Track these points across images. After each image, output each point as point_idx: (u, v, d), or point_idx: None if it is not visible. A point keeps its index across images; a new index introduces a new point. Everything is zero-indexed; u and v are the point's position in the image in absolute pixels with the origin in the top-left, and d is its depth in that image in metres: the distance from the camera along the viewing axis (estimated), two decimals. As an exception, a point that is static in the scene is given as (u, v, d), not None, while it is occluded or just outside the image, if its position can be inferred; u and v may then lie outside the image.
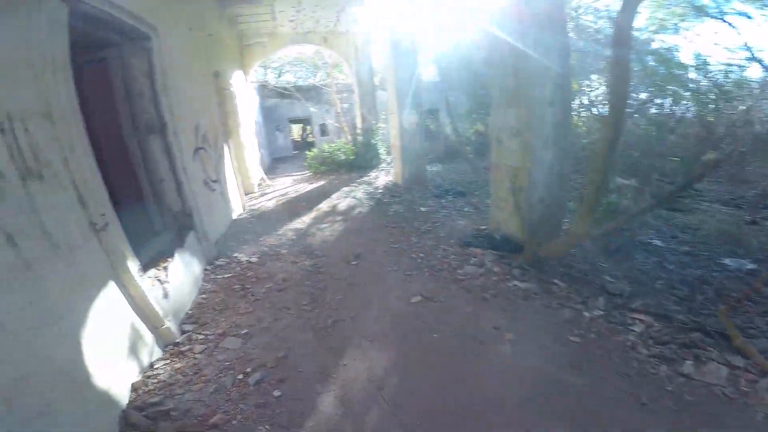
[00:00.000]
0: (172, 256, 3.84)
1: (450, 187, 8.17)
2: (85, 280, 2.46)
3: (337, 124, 16.12)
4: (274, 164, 16.52)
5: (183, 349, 3.19)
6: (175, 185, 4.36)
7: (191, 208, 4.54)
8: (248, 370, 2.87)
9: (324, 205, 7.53)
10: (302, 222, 6.57)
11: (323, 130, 19.82)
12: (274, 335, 3.33)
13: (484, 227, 5.42)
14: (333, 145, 11.92)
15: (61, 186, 2.45)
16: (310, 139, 22.61)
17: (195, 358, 3.06)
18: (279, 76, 22.62)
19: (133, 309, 2.91)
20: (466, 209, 6.68)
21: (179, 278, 3.82)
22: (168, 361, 3.04)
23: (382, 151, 11.74)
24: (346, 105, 18.50)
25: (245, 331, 3.40)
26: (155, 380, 2.78)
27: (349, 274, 4.42)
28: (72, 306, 2.28)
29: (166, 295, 3.45)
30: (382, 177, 9.80)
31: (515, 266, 4.21)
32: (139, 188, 4.25)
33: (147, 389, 2.66)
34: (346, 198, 7.90)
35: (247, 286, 4.26)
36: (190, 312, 3.82)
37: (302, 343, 3.20)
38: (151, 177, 4.23)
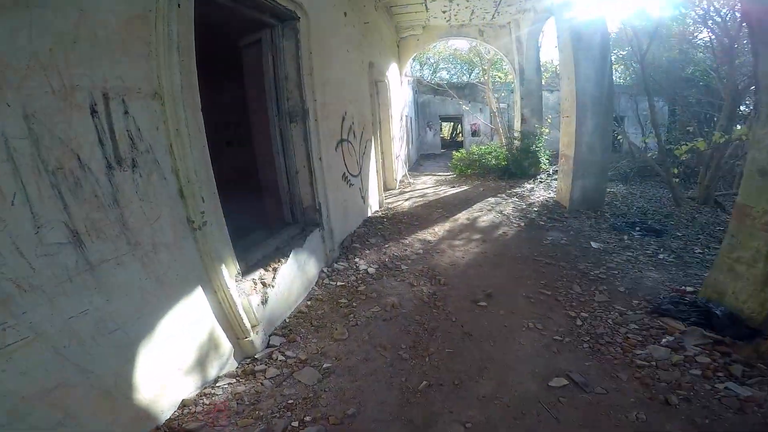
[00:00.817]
0: (286, 256, 3.42)
1: (638, 219, 6.10)
2: (164, 284, 2.09)
3: (490, 126, 14.69)
4: (420, 161, 16.14)
5: (257, 368, 2.69)
6: (308, 177, 3.97)
7: (321, 203, 4.12)
8: (307, 419, 2.25)
9: (462, 216, 6.46)
10: (434, 233, 5.65)
11: (474, 131, 18.60)
12: (355, 381, 2.60)
13: (690, 290, 3.58)
14: (483, 147, 10.69)
15: (161, 176, 2.10)
16: (459, 139, 21.61)
17: (262, 384, 2.53)
18: (434, 72, 22.22)
19: (216, 317, 2.50)
20: (661, 255, 4.70)
21: (287, 282, 3.38)
22: (235, 380, 2.58)
23: (543, 160, 9.94)
24: (503, 105, 16.86)
25: (328, 364, 2.74)
26: (208, 401, 2.32)
27: (470, 318, 3.34)
28: (138, 313, 1.93)
29: (265, 301, 3.04)
30: (540, 192, 8.14)
31: (737, 360, 2.60)
32: (275, 180, 3.97)
33: (194, 410, 2.24)
34: (491, 212, 6.65)
35: (354, 304, 3.59)
36: (287, 320, 3.35)
37: (379, 405, 2.38)
38: (288, 167, 3.91)
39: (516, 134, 10.01)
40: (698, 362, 2.62)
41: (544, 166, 10.05)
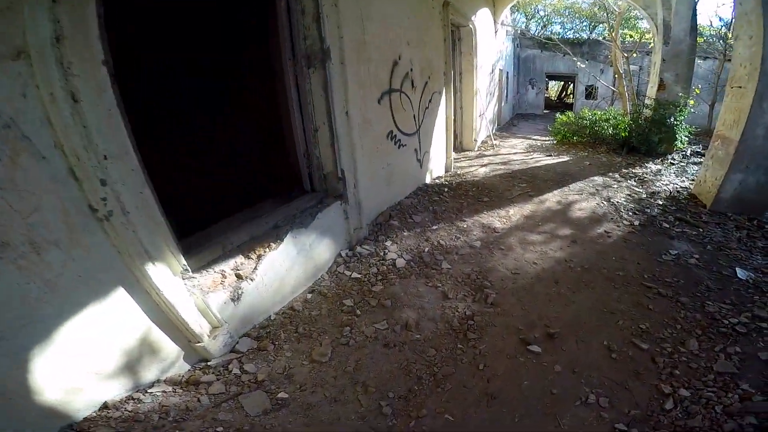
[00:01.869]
0: (280, 239, 2.57)
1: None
2: (57, 288, 1.59)
3: (612, 88, 11.80)
4: (515, 120, 13.95)
5: (204, 378, 2.06)
6: (329, 136, 2.94)
7: (344, 169, 3.12)
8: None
9: (552, 198, 4.91)
10: (505, 218, 4.30)
11: (589, 93, 15.42)
12: (307, 426, 1.85)
13: None
14: (599, 112, 8.39)
15: (35, 156, 1.47)
16: (569, 100, 18.41)
17: (198, 401, 1.93)
18: (543, 27, 18.75)
19: (154, 319, 1.93)
20: None
21: (279, 271, 2.57)
22: (172, 388, 1.99)
23: (682, 137, 7.48)
24: (633, 67, 13.46)
25: (284, 394, 1.99)
26: (131, 407, 1.85)
27: (507, 370, 2.21)
28: (25, 321, 1.54)
29: (237, 297, 2.29)
30: (669, 177, 6.01)
31: None
32: (293, 140, 3.02)
33: (112, 414, 1.81)
34: (594, 197, 4.97)
35: (359, 311, 2.64)
36: (273, 318, 2.56)
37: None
38: (306, 124, 2.93)
39: (649, 101, 7.59)
40: None
41: (680, 145, 7.59)
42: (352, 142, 3.07)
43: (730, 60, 12.43)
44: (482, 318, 2.61)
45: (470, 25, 6.59)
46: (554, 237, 3.88)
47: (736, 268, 3.41)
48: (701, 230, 4.21)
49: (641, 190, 5.28)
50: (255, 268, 2.36)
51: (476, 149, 7.58)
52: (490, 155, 7.16)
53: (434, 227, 3.89)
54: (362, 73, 3.14)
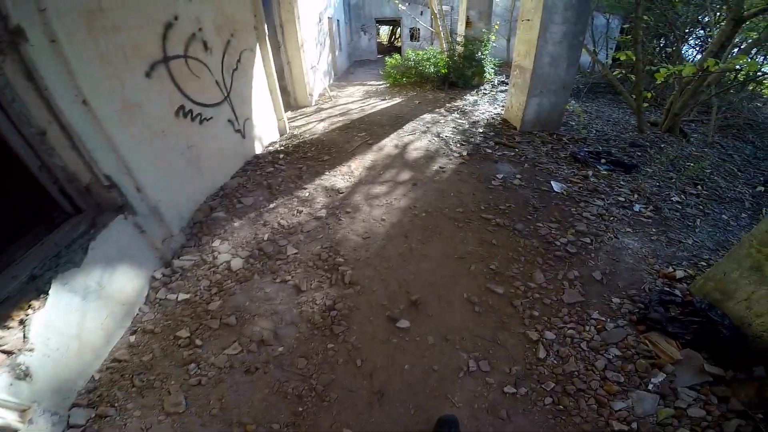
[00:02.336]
0: (44, 292, 1.82)
1: (601, 148, 4.95)
2: None
3: (431, 29, 12.47)
4: (352, 68, 13.78)
5: None
6: (65, 137, 2.09)
7: (111, 174, 2.32)
8: None
9: (390, 143, 4.94)
10: (348, 174, 4.14)
11: (413, 35, 16.12)
12: None
13: (681, 275, 2.60)
14: (421, 52, 8.76)
15: None
16: (398, 44, 19.00)
17: None
18: None
19: None
20: (637, 207, 3.61)
21: (63, 330, 1.89)
22: None
23: (489, 69, 8.35)
24: (446, 8, 14.43)
25: None
26: None
27: (384, 358, 2.09)
28: None
29: (24, 375, 1.67)
30: (485, 106, 6.70)
31: (734, 409, 1.82)
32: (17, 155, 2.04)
33: None
34: (426, 134, 5.18)
35: (198, 341, 2.15)
36: (98, 377, 1.97)
37: None
38: (23, 130, 1.97)
39: (459, 39, 8.18)
40: (690, 417, 1.75)
41: (489, 76, 8.52)
42: (109, 135, 2.30)
43: None
44: (344, 304, 2.40)
45: None
46: (396, 184, 3.90)
47: (552, 182, 3.96)
48: (517, 150, 4.78)
49: (464, 121, 5.74)
50: (25, 337, 1.67)
51: (313, 104, 7.16)
52: (328, 108, 6.85)
53: (271, 205, 3.48)
54: (104, 46, 2.31)
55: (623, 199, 3.73)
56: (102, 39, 2.31)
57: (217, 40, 3.73)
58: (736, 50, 6.49)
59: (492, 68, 8.54)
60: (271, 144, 5.03)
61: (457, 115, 6.05)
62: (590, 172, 4.26)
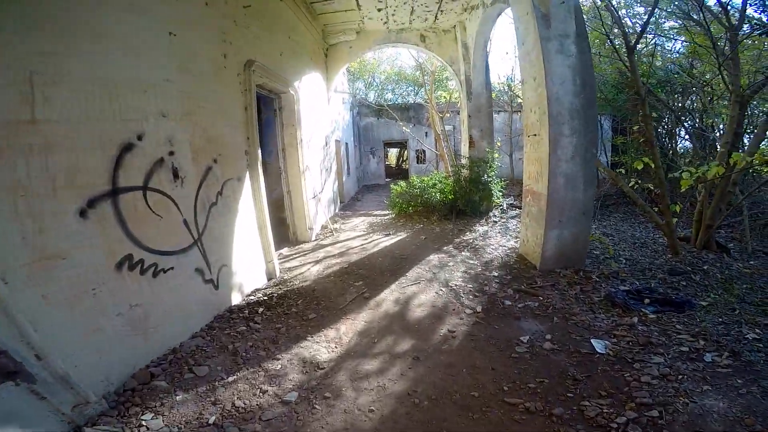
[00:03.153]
0: None
1: (640, 284, 4.15)
2: None
3: (435, 151, 12.92)
4: (360, 194, 13.97)
5: None
6: None
7: (6, 338, 1.78)
8: None
9: (389, 297, 4.23)
10: (334, 341, 3.36)
11: (419, 157, 16.89)
12: None
13: None
14: (426, 178, 8.69)
15: None
16: (406, 166, 19.88)
17: None
18: (380, 95, 20.57)
19: None
20: (709, 356, 2.71)
21: None
22: None
23: (497, 192, 8.10)
24: (449, 127, 15.34)
25: None
26: None
27: None
28: None
29: None
30: (497, 237, 6.15)
31: None
32: None
33: None
34: (432, 284, 4.49)
35: None
36: None
37: None
38: None
39: (464, 161, 8.14)
40: None
41: (497, 200, 8.21)
42: (1, 298, 1.72)
43: (518, 112, 15.38)
44: None
45: (291, 92, 5.98)
46: (393, 358, 3.06)
47: (592, 341, 3.11)
48: (541, 298, 4.01)
49: (475, 262, 5.09)
50: None
51: (313, 238, 6.76)
52: (328, 245, 6.40)
53: (230, 379, 2.66)
54: (24, 171, 1.85)
55: (687, 349, 2.86)
56: (23, 161, 1.83)
57: (192, 168, 3.36)
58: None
59: (499, 190, 8.29)
60: (253, 292, 4.39)
61: (468, 254, 5.44)
62: (635, 319, 3.42)
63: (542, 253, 4.63)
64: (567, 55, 4.24)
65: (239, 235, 4.18)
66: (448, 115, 13.96)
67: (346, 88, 12.67)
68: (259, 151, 4.64)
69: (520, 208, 8.40)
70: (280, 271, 5.10)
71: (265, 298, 4.25)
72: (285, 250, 6.10)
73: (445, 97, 17.66)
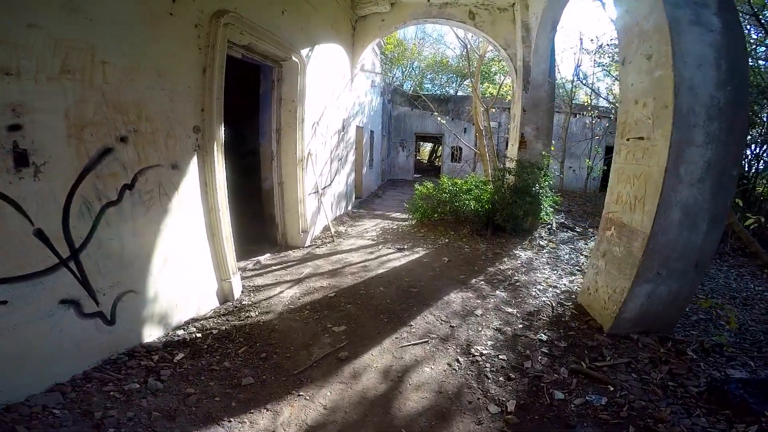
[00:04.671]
0: None
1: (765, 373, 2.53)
2: None
3: (474, 149, 11.22)
4: (383, 189, 12.54)
5: None
6: None
7: None
8: None
9: (375, 363, 2.80)
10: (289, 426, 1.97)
11: (454, 154, 15.16)
12: None
13: None
14: (460, 180, 7.10)
15: None
16: (439, 163, 18.21)
17: None
18: (419, 84, 18.85)
19: None
20: None
21: None
22: None
23: (547, 207, 6.42)
24: (493, 124, 13.53)
25: None
26: None
27: None
28: None
29: None
30: (544, 272, 4.54)
31: None
32: None
33: None
34: (446, 346, 3.00)
35: None
36: None
37: None
38: None
39: (510, 164, 6.49)
40: None
41: (546, 218, 6.52)
42: None
43: (576, 114, 13.34)
44: None
45: (294, 59, 4.63)
46: None
47: None
48: (611, 388, 2.48)
49: (514, 311, 3.53)
50: None
51: (307, 244, 5.41)
52: (322, 256, 5.02)
53: None
54: None
55: None
56: None
57: (65, 150, 2.12)
58: None
59: (551, 206, 6.59)
60: (187, 324, 3.10)
61: (505, 295, 3.88)
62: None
63: (619, 313, 3.04)
64: (707, 29, 2.60)
65: (169, 245, 2.89)
66: (494, 110, 12.16)
67: (378, 70, 11.18)
68: (221, 129, 3.33)
69: (573, 230, 6.75)
70: (243, 291, 3.79)
71: (199, 335, 2.95)
72: (265, 258, 4.79)
73: (491, 91, 15.80)
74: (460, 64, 17.58)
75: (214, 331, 3.05)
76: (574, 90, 12.16)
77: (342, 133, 7.17)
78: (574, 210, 8.81)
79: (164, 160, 2.82)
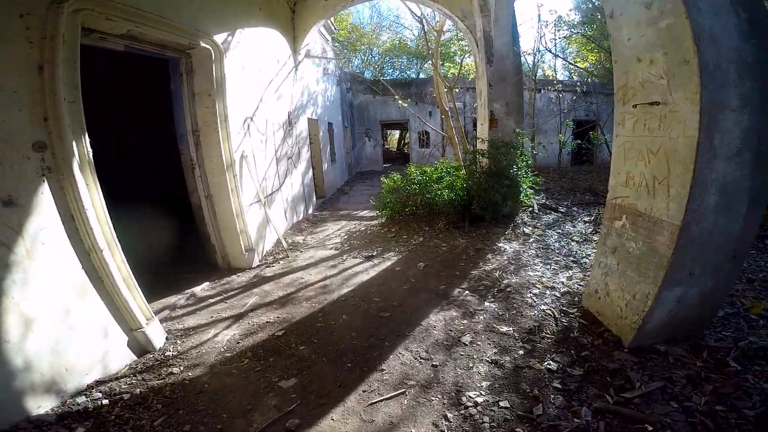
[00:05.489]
0: None
1: None
2: None
3: (441, 132, 10.53)
4: (351, 183, 11.69)
5: None
6: None
7: None
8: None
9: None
10: None
11: (422, 139, 14.43)
12: None
13: None
14: (430, 168, 6.38)
15: None
16: (408, 150, 17.50)
17: None
18: (378, 72, 17.96)
19: None
20: None
21: None
22: None
23: (526, 188, 5.80)
24: (459, 104, 12.87)
25: None
26: None
27: None
28: None
29: None
30: (537, 268, 3.87)
31: None
32: None
33: None
34: (428, 395, 2.26)
35: None
36: None
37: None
38: None
39: (482, 146, 5.79)
40: None
41: (526, 200, 5.90)
42: None
43: (540, 90, 12.88)
44: None
45: (205, 46, 3.70)
46: None
47: None
48: (649, 428, 1.86)
49: (510, 330, 2.82)
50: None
51: (256, 263, 4.54)
52: (272, 277, 4.16)
53: None
54: None
55: None
56: None
57: None
58: None
59: (530, 187, 5.98)
60: (92, 387, 2.32)
61: (495, 306, 3.18)
62: None
63: (642, 324, 2.39)
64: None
65: (26, 307, 2.04)
66: (457, 90, 11.45)
67: (330, 56, 10.20)
68: (83, 140, 2.43)
69: (557, 211, 6.17)
70: (169, 338, 2.93)
71: (105, 402, 2.18)
72: (201, 288, 3.90)
73: (452, 71, 15.10)
74: (419, 46, 16.81)
75: (125, 396, 2.27)
76: (537, 64, 11.65)
77: (288, 127, 6.25)
78: (552, 187, 8.28)
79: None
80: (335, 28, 10.39)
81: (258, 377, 2.44)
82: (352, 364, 2.53)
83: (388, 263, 4.31)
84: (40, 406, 2.08)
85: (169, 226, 5.25)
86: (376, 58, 19.04)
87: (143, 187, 6.19)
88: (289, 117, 6.26)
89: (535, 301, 3.22)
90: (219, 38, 3.93)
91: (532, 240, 4.78)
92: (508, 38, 5.70)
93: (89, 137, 2.50)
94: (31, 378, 2.06)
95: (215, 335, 2.98)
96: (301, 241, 5.45)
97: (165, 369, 2.56)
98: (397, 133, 25.60)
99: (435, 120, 13.23)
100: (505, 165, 5.33)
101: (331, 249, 5.01)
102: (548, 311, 3.05)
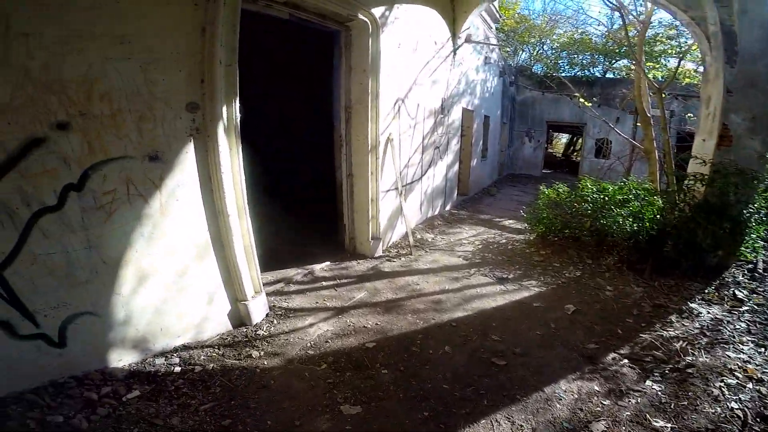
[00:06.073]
0: None
1: None
2: None
3: (635, 143, 8.37)
4: (500, 185, 10.63)
5: None
6: None
7: None
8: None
9: None
10: None
11: (599, 148, 12.02)
12: None
13: None
14: (611, 186, 4.92)
15: None
16: (577, 158, 15.11)
17: None
18: (552, 66, 15.57)
19: None
20: None
21: None
22: None
23: (754, 238, 4.02)
24: (658, 112, 10.15)
25: None
26: None
27: None
28: None
29: None
30: (740, 349, 2.49)
31: None
32: None
33: None
34: None
35: None
36: None
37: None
38: None
39: (700, 168, 4.15)
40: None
41: (748, 253, 4.09)
42: None
43: None
44: None
45: (362, 18, 3.55)
46: None
47: None
48: None
49: (666, 428, 1.80)
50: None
51: (378, 254, 4.28)
52: (389, 274, 3.81)
53: None
54: None
55: None
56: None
57: None
58: None
59: (761, 236, 4.14)
60: (176, 351, 2.41)
61: (659, 388, 2.12)
62: None
63: None
64: None
65: (147, 259, 2.21)
66: (665, 95, 8.93)
67: (494, 43, 9.14)
68: (234, 106, 2.44)
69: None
70: (269, 314, 2.89)
71: (176, 370, 2.25)
72: (321, 267, 3.86)
73: (656, 74, 11.93)
74: (607, 42, 13.87)
75: (197, 369, 2.26)
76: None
77: (440, 115, 5.76)
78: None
79: (135, 150, 2.08)
80: (500, 17, 9.34)
81: (325, 391, 2.13)
82: (430, 414, 1.97)
83: (525, 294, 3.46)
84: (121, 359, 2.18)
85: (315, 199, 5.45)
86: (549, 53, 16.64)
87: (299, 160, 6.63)
88: (442, 104, 5.78)
89: (724, 395, 2.05)
90: (377, 12, 3.72)
91: (744, 309, 3.21)
92: (762, 33, 3.92)
93: (249, 104, 2.51)
94: (125, 332, 2.17)
95: (310, 325, 2.81)
96: (430, 240, 4.98)
97: (247, 349, 2.50)
98: (564, 137, 22.59)
99: (623, 128, 10.85)
100: (733, 200, 3.73)
101: (459, 257, 4.40)
102: (738, 412, 1.88)
